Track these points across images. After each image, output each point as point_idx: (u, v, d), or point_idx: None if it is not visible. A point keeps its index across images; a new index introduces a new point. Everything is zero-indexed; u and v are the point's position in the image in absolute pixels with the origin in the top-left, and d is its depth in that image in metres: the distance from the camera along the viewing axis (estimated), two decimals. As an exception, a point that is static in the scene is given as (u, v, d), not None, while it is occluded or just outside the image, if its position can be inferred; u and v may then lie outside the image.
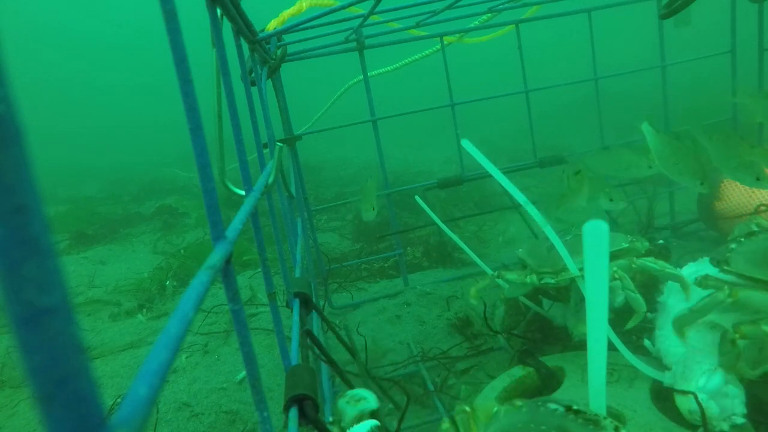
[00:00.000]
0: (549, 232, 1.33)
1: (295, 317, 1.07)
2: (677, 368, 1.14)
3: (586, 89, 2.52)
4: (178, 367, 1.91)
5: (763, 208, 1.69)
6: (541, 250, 1.51)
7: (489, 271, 1.74)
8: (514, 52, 2.16)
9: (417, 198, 2.03)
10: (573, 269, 1.33)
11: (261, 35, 1.36)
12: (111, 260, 3.41)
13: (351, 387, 1.12)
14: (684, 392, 1.07)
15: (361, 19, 1.70)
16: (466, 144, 1.50)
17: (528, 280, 1.49)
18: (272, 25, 1.64)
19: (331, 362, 1.19)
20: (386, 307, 2.15)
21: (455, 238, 1.82)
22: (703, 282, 1.22)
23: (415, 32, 2.08)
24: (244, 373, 1.80)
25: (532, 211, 1.37)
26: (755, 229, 1.43)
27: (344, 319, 2.11)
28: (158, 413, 1.64)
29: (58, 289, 0.20)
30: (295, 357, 0.95)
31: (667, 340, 1.25)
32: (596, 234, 0.75)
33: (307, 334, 1.02)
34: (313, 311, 1.24)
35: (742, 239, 1.29)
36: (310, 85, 8.22)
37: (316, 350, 1.07)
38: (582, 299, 1.39)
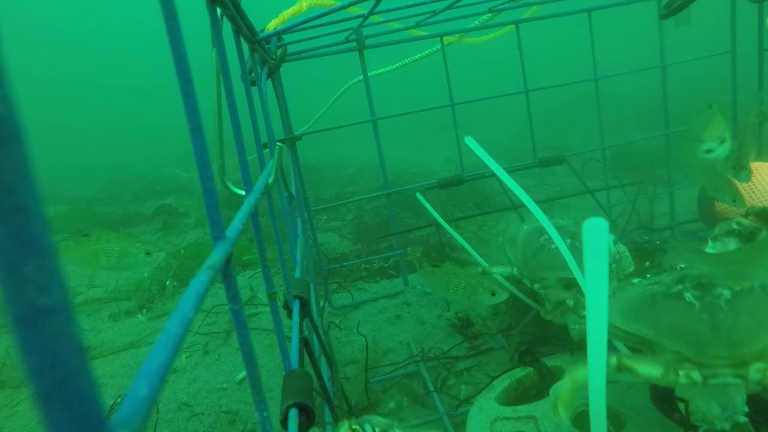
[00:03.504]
0: (552, 231, 1.33)
1: (295, 319, 1.07)
2: (677, 368, 1.13)
3: (586, 89, 2.52)
4: (178, 367, 1.91)
5: (753, 207, 1.68)
6: (531, 247, 1.51)
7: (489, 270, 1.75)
8: (514, 52, 2.16)
9: (418, 195, 2.03)
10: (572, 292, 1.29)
11: (261, 35, 1.36)
12: (111, 260, 3.40)
13: (332, 407, 1.11)
14: (679, 399, 1.07)
15: (361, 19, 1.70)
16: (470, 141, 1.50)
17: (515, 271, 1.52)
18: (272, 25, 1.64)
19: (330, 363, 1.19)
20: (386, 307, 2.15)
21: (457, 237, 1.82)
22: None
23: (415, 32, 2.08)
24: (244, 373, 1.80)
25: (534, 209, 1.37)
26: (735, 227, 1.44)
27: (344, 319, 2.11)
28: (158, 413, 1.64)
29: (58, 289, 0.20)
30: (295, 359, 0.95)
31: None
32: (596, 232, 0.74)
33: (303, 342, 1.02)
34: (311, 312, 1.24)
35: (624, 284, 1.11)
36: (310, 85, 8.23)
37: (315, 352, 1.07)
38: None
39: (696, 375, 0.94)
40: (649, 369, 0.96)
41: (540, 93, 2.23)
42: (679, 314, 0.96)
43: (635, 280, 1.11)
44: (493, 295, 1.28)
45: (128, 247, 1.14)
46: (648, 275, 1.11)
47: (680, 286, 1.00)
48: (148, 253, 1.17)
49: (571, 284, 1.38)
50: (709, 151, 1.42)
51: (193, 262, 2.91)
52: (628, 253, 1.49)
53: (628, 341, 1.09)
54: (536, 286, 1.47)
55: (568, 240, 1.43)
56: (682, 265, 1.10)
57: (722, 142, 1.42)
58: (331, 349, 1.77)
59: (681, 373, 0.94)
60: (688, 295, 0.98)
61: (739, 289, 0.97)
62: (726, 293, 0.95)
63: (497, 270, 1.58)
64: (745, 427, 1.01)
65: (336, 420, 1.12)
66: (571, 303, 1.27)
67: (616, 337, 1.09)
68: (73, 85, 19.36)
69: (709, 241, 1.44)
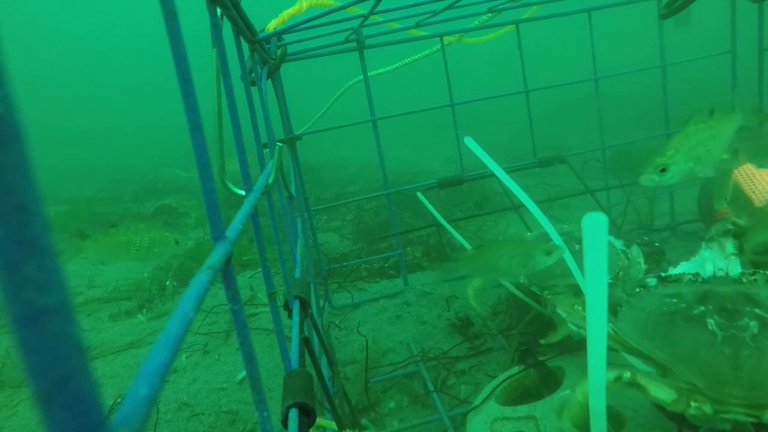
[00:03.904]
0: (551, 231, 1.33)
1: (295, 319, 1.07)
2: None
3: (586, 89, 2.52)
4: (178, 367, 1.91)
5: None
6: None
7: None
8: (514, 52, 2.16)
9: (419, 194, 2.04)
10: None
11: (261, 35, 1.36)
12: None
13: (332, 403, 1.11)
14: None
15: (361, 19, 1.70)
16: (469, 141, 1.50)
17: (522, 279, 1.54)
18: (272, 25, 1.64)
19: (331, 363, 1.19)
20: (386, 307, 2.15)
21: (457, 236, 1.82)
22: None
23: (415, 32, 2.08)
24: (244, 373, 1.80)
25: (533, 210, 1.37)
26: (730, 227, 1.44)
27: (344, 319, 2.11)
28: (158, 413, 1.64)
29: (58, 289, 0.20)
30: (295, 359, 0.95)
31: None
32: (595, 228, 0.74)
33: (304, 342, 1.02)
34: (311, 312, 1.24)
35: (638, 289, 1.04)
36: (310, 85, 8.23)
37: (316, 353, 1.07)
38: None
39: (708, 408, 0.90)
40: (660, 392, 0.94)
41: (540, 93, 2.23)
42: (699, 343, 0.90)
43: (651, 282, 1.04)
44: (549, 254, 1.27)
45: (158, 236, 1.15)
46: (662, 274, 1.07)
47: (702, 308, 0.93)
48: (177, 242, 1.18)
49: (581, 291, 1.37)
50: (650, 179, 1.32)
51: (193, 262, 2.91)
52: (641, 258, 1.49)
53: (641, 359, 1.04)
54: (546, 293, 1.47)
55: (577, 246, 1.42)
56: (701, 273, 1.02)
57: (663, 170, 1.32)
58: (332, 349, 1.77)
59: (693, 404, 0.91)
60: (710, 322, 0.91)
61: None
62: (753, 326, 0.88)
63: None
64: (745, 428, 1.01)
65: (337, 419, 1.12)
66: (564, 314, 1.25)
67: (628, 352, 1.06)
68: (73, 85, 19.37)
69: (704, 242, 1.44)
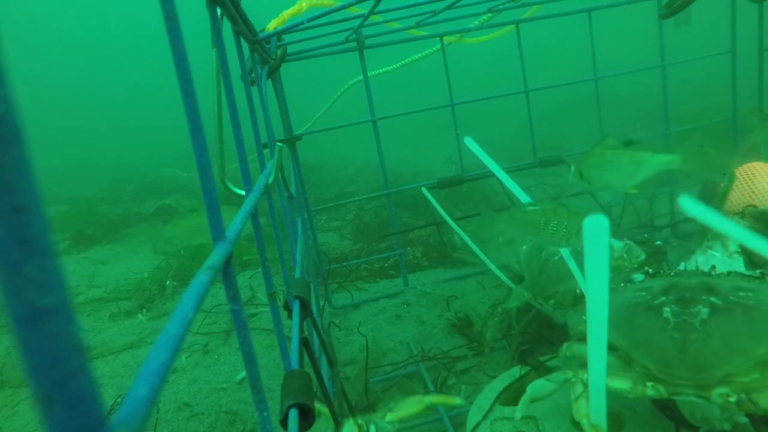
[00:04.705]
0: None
1: (295, 319, 1.07)
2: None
3: (586, 89, 2.52)
4: (178, 367, 1.91)
5: (750, 208, 1.68)
6: (535, 265, 1.51)
7: (493, 268, 1.76)
8: (514, 52, 2.16)
9: (424, 190, 2.04)
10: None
11: (261, 35, 1.36)
12: (111, 260, 3.41)
13: (327, 399, 1.10)
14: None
15: (361, 19, 1.70)
16: (469, 141, 1.50)
17: (527, 296, 1.53)
18: (272, 25, 1.64)
19: (331, 363, 1.18)
20: (386, 307, 2.15)
21: (460, 232, 1.82)
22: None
23: (415, 32, 2.08)
24: (244, 373, 1.80)
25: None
26: None
27: (344, 319, 2.11)
28: (158, 413, 1.64)
29: (58, 289, 0.20)
30: (295, 359, 0.95)
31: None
32: (596, 229, 0.74)
33: (303, 342, 1.02)
34: (312, 311, 1.24)
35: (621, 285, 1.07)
36: (310, 85, 8.23)
37: (315, 354, 1.07)
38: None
39: (662, 390, 0.94)
40: (617, 383, 0.98)
41: (540, 93, 2.23)
42: (654, 329, 0.96)
43: (638, 278, 1.07)
44: None
45: None
46: (650, 270, 1.10)
47: (663, 298, 0.98)
48: None
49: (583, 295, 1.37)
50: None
51: (193, 262, 2.91)
52: (635, 243, 1.50)
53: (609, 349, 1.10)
54: (551, 302, 1.47)
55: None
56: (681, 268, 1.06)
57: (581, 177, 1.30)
58: (332, 348, 1.77)
59: (648, 384, 0.95)
60: (666, 310, 0.96)
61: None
62: (704, 312, 0.93)
63: (513, 305, 1.60)
64: (745, 428, 1.01)
65: (336, 420, 1.12)
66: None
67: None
68: (73, 85, 19.37)
69: (705, 240, 1.44)
